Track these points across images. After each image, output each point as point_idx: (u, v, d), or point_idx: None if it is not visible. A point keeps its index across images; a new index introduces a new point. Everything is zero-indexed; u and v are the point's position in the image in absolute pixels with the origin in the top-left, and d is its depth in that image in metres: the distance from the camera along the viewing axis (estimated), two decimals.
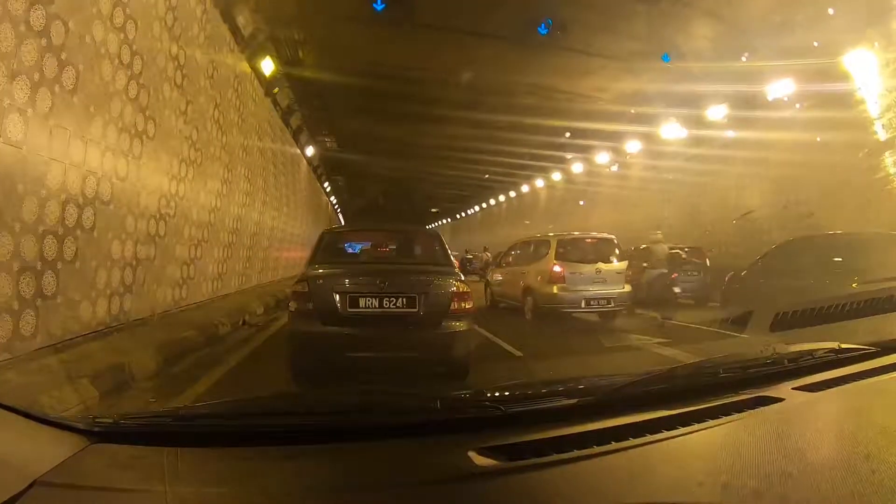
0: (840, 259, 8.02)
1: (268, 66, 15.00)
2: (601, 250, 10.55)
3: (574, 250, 10.46)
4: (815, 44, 11.97)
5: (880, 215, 10.35)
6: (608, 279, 10.08)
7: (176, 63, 8.40)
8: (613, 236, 11.10)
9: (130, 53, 6.79)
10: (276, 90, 16.85)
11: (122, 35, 6.54)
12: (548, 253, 10.49)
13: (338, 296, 4.82)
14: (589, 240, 11.00)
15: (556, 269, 10.04)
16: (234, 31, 12.09)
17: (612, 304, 9.94)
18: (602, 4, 12.41)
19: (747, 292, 9.30)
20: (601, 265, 10.18)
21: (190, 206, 9.27)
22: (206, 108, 10.04)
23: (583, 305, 9.88)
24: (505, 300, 12.18)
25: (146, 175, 7.42)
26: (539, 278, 10.38)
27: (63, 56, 5.31)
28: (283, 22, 14.12)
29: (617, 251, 10.68)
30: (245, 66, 13.23)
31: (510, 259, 12.64)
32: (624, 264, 10.49)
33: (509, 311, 11.57)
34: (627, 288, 10.20)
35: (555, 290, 9.94)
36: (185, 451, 1.21)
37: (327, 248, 6.01)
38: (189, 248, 9.37)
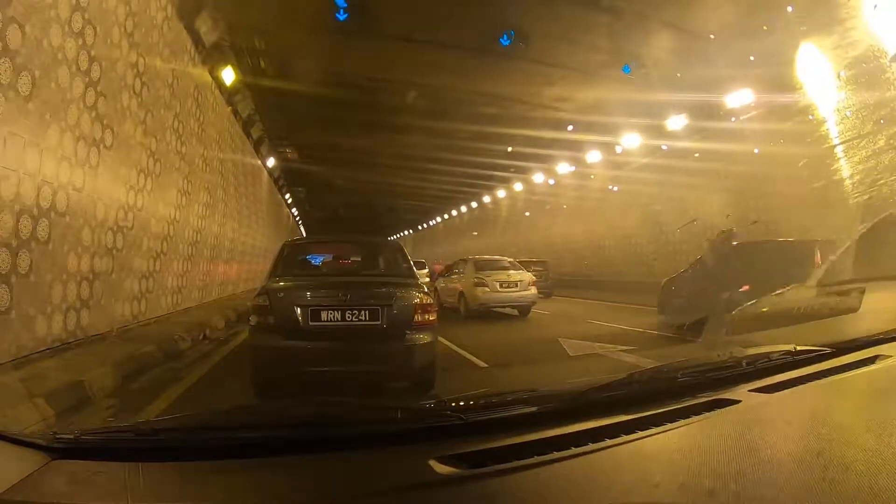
0: (777, 265, 8.31)
1: (228, 75, 14.79)
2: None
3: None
4: (752, 57, 12.43)
5: (824, 221, 10.74)
6: None
7: (135, 70, 8.21)
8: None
9: (88, 60, 6.60)
10: (236, 100, 16.63)
11: (80, 41, 6.36)
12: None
13: (299, 309, 4.68)
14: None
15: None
16: (196, 39, 11.89)
17: None
18: (563, 17, 12.61)
19: (681, 298, 9.71)
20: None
21: (148, 217, 9.04)
22: (165, 117, 9.83)
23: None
24: None
25: (103, 185, 7.21)
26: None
27: (19, 61, 5.14)
28: (245, 31, 13.96)
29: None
30: (205, 75, 13.01)
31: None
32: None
33: None
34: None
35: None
36: (146, 465, 1.20)
37: (288, 260, 5.86)
38: (148, 260, 9.11)
